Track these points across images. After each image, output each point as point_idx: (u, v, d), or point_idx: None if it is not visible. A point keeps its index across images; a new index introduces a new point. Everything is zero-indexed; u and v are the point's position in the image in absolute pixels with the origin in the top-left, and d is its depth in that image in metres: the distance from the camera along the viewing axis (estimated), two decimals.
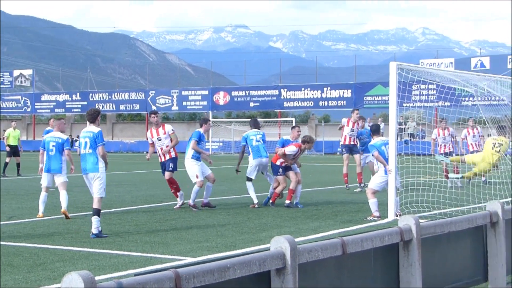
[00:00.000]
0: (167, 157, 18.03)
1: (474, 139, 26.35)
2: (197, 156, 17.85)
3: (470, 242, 8.48)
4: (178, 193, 18.05)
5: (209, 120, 19.01)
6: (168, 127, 18.36)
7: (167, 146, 18.05)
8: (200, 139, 17.92)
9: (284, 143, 18.72)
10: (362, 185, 22.62)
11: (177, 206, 18.00)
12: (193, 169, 17.77)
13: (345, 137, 23.28)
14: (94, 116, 13.99)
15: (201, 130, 18.18)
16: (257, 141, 18.71)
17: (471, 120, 26.00)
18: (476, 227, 8.34)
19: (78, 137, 23.26)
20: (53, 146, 16.32)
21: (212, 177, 17.98)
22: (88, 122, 14.14)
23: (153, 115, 18.44)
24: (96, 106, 69.70)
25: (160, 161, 18.26)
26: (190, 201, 17.53)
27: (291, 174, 18.24)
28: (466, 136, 26.50)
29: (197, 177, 17.64)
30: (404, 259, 7.03)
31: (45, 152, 16.42)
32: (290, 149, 18.20)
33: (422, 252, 7.07)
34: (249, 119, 34.63)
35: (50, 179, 16.40)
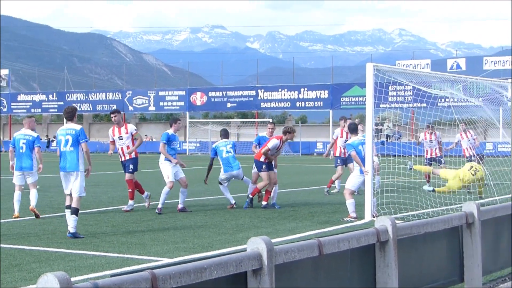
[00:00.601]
0: (127, 157, 17.89)
1: (469, 143, 25.15)
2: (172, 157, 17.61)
3: (446, 243, 8.52)
4: (130, 201, 17.83)
5: (179, 119, 18.50)
6: (131, 127, 18.18)
7: (128, 147, 17.84)
8: (169, 140, 17.63)
9: (261, 140, 18.69)
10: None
11: (125, 208, 17.76)
12: (165, 170, 17.62)
13: (340, 148, 22.33)
14: (72, 113, 13.82)
15: (171, 130, 17.82)
16: (227, 152, 18.49)
17: (462, 124, 24.95)
18: (452, 228, 8.38)
19: (55, 137, 23.00)
20: (23, 143, 16.18)
21: (184, 181, 17.63)
22: (65, 120, 13.96)
23: (112, 115, 18.07)
24: None
25: (120, 160, 18.14)
26: (159, 204, 17.33)
27: (271, 174, 18.15)
28: (460, 141, 25.35)
29: (168, 177, 17.50)
30: (381, 260, 7.05)
31: (15, 150, 16.32)
32: (272, 143, 18.06)
33: (399, 253, 7.09)
34: (226, 120, 34.46)
35: (22, 177, 16.31)
